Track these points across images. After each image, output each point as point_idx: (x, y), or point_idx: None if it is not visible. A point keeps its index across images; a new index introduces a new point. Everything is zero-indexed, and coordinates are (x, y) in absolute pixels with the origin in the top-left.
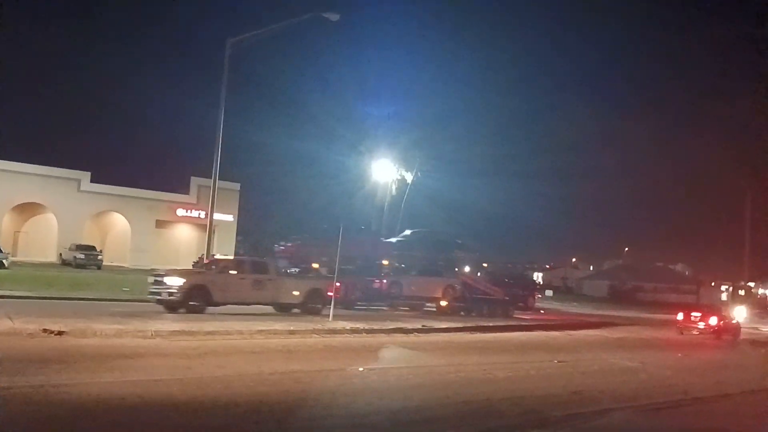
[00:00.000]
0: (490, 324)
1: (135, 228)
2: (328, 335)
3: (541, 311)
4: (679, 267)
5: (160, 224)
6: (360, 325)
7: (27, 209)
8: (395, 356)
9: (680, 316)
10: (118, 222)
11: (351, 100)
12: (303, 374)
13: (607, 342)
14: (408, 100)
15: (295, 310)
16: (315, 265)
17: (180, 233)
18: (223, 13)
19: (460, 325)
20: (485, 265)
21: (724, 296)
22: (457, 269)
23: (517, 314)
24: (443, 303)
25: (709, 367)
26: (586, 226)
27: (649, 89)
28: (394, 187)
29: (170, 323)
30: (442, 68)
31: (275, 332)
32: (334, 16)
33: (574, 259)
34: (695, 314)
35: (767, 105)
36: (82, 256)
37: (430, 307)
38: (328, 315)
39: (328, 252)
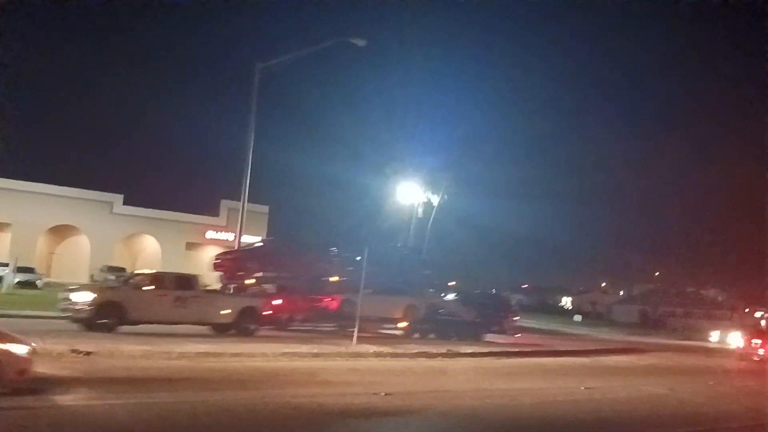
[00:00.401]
0: (514, 350)
1: (165, 250)
2: (352, 358)
3: (517, 335)
4: (711, 292)
5: (190, 246)
6: (384, 349)
7: (61, 231)
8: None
9: (741, 343)
10: (149, 244)
11: (378, 123)
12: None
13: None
14: (435, 123)
15: (232, 331)
16: (250, 281)
17: (209, 255)
18: (253, 37)
19: (484, 350)
20: (452, 283)
21: (762, 322)
22: (421, 287)
23: (491, 339)
24: (403, 324)
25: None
26: (616, 250)
27: (680, 110)
28: (420, 210)
29: (196, 345)
30: (469, 91)
31: (299, 354)
32: (360, 42)
33: (603, 284)
34: (756, 341)
35: None
36: (113, 278)
37: (389, 329)
38: (260, 335)
39: (272, 264)
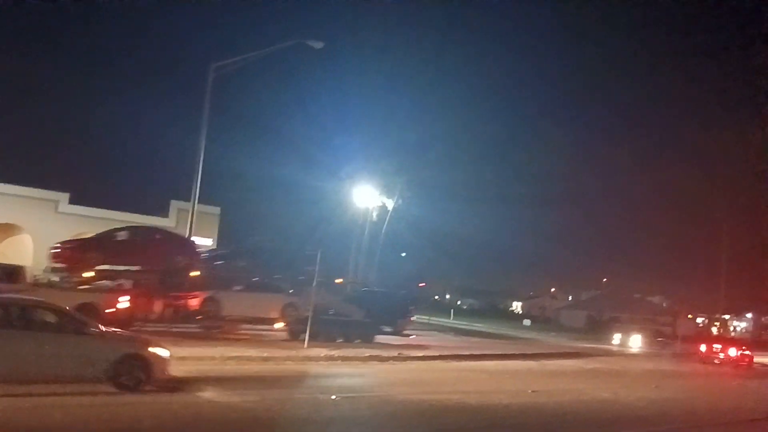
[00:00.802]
0: (464, 353)
1: None
2: (302, 362)
3: (412, 336)
4: (656, 299)
5: None
6: (335, 353)
7: (2, 230)
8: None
9: (703, 348)
10: None
11: (332, 126)
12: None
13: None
14: (389, 126)
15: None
16: (89, 274)
17: None
18: (207, 37)
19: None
20: (339, 280)
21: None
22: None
23: (382, 340)
24: (279, 325)
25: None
26: (566, 256)
27: (629, 118)
28: (375, 214)
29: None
30: (424, 94)
31: (249, 358)
32: (317, 44)
33: (553, 289)
34: (717, 346)
35: (745, 137)
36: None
37: (264, 329)
38: None
39: (119, 255)
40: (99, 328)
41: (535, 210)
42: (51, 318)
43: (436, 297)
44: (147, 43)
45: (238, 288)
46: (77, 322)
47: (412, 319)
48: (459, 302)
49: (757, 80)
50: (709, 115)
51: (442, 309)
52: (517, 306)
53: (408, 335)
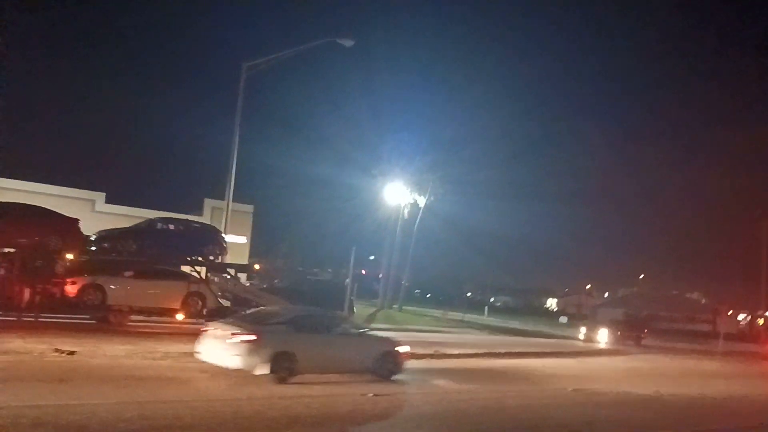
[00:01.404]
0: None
1: None
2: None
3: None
4: (695, 295)
5: None
6: None
7: None
8: None
9: None
10: None
11: (365, 124)
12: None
13: None
14: (422, 124)
15: None
16: None
17: None
18: (240, 36)
19: None
20: (257, 267)
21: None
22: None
23: None
24: (181, 316)
25: None
26: (601, 253)
27: (665, 115)
28: (406, 211)
29: (181, 345)
30: (456, 92)
31: None
32: (348, 42)
33: (588, 286)
34: None
35: None
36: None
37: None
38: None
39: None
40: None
41: (570, 207)
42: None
43: (469, 294)
44: (181, 44)
45: (129, 274)
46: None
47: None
48: (492, 299)
49: None
50: (748, 113)
51: (475, 306)
52: (552, 303)
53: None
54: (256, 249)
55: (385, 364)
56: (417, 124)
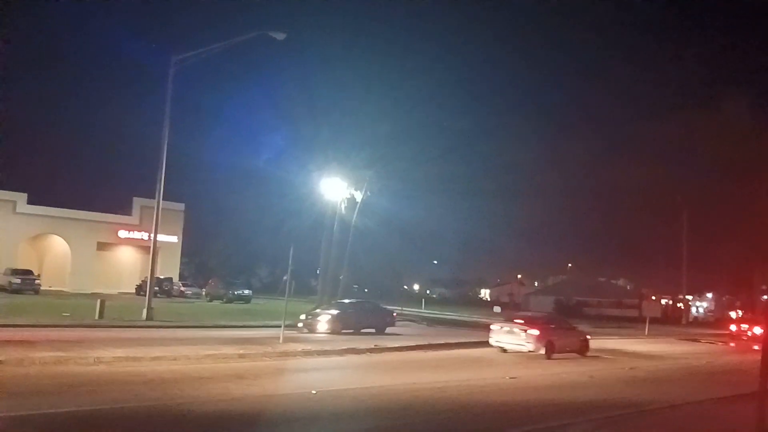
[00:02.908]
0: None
1: (75, 251)
2: (281, 358)
3: None
4: (621, 282)
5: (102, 246)
6: (311, 347)
7: None
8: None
9: (733, 327)
10: (57, 245)
11: (300, 119)
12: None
13: None
14: (358, 119)
15: None
16: None
17: (123, 256)
18: (169, 30)
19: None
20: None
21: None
22: None
23: None
24: None
25: None
26: (531, 244)
27: (590, 110)
28: (343, 206)
29: (113, 349)
30: (392, 88)
31: (224, 356)
32: (280, 35)
33: (519, 276)
34: (744, 325)
35: (700, 124)
36: (18, 281)
37: None
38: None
39: None
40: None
41: (501, 200)
42: None
43: (405, 287)
44: (107, 39)
45: None
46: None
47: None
48: (429, 291)
49: (711, 72)
50: (668, 105)
51: (413, 299)
52: (485, 293)
53: None
54: (188, 248)
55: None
56: (353, 119)
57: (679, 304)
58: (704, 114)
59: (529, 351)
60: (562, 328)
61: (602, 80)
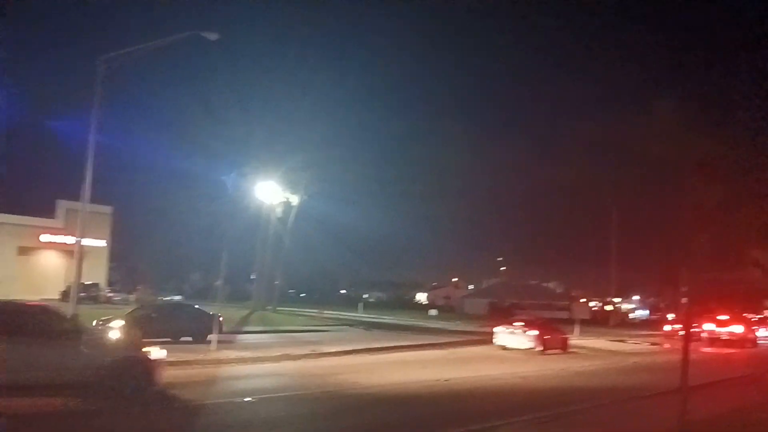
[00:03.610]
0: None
1: None
2: (213, 365)
3: None
4: (552, 284)
5: (23, 251)
6: (246, 354)
7: None
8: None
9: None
10: None
11: (233, 121)
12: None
13: None
14: (293, 122)
15: None
16: None
17: (46, 260)
18: (98, 27)
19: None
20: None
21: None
22: None
23: None
24: None
25: None
26: (466, 246)
27: (520, 111)
28: (279, 210)
29: None
30: (327, 91)
31: None
32: (212, 36)
33: (454, 279)
34: (677, 326)
35: (628, 124)
36: None
37: None
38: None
39: None
40: None
41: (435, 204)
42: None
43: (343, 291)
44: (32, 36)
45: None
46: None
47: None
48: (366, 295)
49: (639, 72)
50: (594, 107)
51: (349, 303)
52: (422, 297)
53: None
54: (116, 252)
55: None
56: (288, 122)
57: (607, 307)
58: (632, 114)
59: (528, 348)
60: (551, 328)
61: (531, 81)
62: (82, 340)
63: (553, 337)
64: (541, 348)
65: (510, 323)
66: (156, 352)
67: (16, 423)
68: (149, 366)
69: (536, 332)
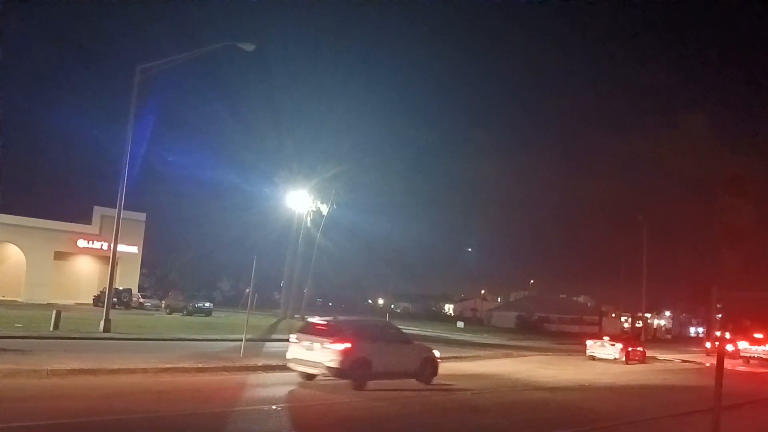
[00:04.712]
0: None
1: (31, 260)
2: (241, 372)
3: None
4: (582, 299)
5: (60, 256)
6: (272, 361)
7: None
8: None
9: (709, 345)
10: (13, 253)
11: (266, 131)
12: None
13: None
14: (324, 132)
15: None
16: None
17: (81, 265)
18: (135, 38)
19: None
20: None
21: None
22: None
23: None
24: None
25: None
26: (495, 259)
27: (553, 126)
28: (309, 219)
29: (68, 362)
30: (359, 101)
31: (183, 370)
32: (249, 47)
33: (483, 291)
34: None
35: (661, 141)
36: None
37: None
38: None
39: None
40: None
41: (466, 215)
42: None
43: (370, 301)
44: (72, 44)
45: None
46: None
47: None
48: (393, 306)
49: (673, 91)
50: (630, 122)
51: (377, 313)
52: (449, 308)
53: None
54: (148, 259)
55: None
56: (319, 132)
57: (638, 323)
58: (665, 131)
59: (615, 359)
60: (632, 341)
61: (565, 96)
62: (413, 344)
63: (634, 350)
64: (624, 359)
65: (599, 337)
66: (437, 353)
67: None
68: (436, 362)
69: (621, 345)
